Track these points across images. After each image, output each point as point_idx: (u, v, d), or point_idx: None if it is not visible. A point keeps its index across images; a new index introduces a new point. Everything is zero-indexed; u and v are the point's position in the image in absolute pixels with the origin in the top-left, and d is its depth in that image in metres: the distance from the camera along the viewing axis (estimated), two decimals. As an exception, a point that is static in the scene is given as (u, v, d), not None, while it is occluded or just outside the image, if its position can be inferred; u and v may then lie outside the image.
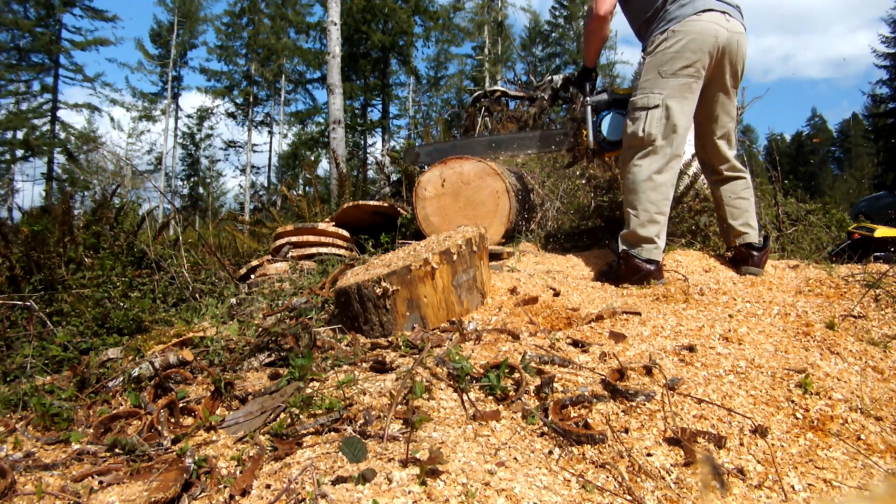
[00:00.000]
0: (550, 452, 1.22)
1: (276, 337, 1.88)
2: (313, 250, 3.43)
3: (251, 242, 4.95)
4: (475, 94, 5.36)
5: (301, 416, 1.39)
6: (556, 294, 2.17)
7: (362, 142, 28.28)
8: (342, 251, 3.48)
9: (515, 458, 1.16)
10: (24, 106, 25.20)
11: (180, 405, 1.59)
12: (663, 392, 1.39)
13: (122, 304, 2.80)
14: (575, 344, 1.71)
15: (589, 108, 2.68)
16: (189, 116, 31.24)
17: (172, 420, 1.54)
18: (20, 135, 24.72)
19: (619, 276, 2.35)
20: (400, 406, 1.35)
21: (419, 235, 3.12)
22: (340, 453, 1.11)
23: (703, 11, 2.27)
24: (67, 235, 3.40)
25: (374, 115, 27.41)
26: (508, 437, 1.25)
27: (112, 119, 37.43)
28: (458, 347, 1.66)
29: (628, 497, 1.08)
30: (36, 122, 25.07)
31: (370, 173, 7.96)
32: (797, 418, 1.35)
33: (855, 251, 3.60)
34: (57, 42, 25.60)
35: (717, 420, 1.32)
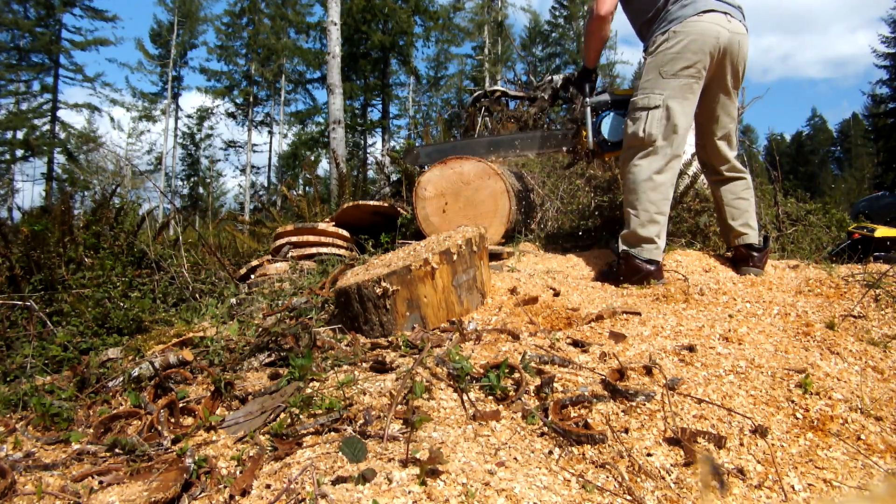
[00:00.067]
0: (550, 452, 1.22)
1: (276, 337, 1.88)
2: (313, 250, 3.43)
3: (251, 242, 4.95)
4: (475, 94, 5.36)
5: (301, 416, 1.39)
6: (556, 294, 2.17)
7: (362, 142, 28.29)
8: (342, 251, 3.48)
9: (515, 458, 1.16)
10: (24, 106, 25.23)
11: (180, 405, 1.59)
12: (663, 392, 1.39)
13: (122, 304, 2.80)
14: (575, 344, 1.71)
15: (588, 109, 2.68)
16: (189, 116, 31.28)
17: (172, 420, 1.54)
18: (20, 135, 24.72)
19: (619, 276, 2.35)
20: (400, 406, 1.35)
21: (419, 235, 3.12)
22: (340, 453, 1.11)
23: (705, 12, 2.27)
24: (67, 235, 3.40)
25: (374, 115, 27.44)
26: (508, 437, 1.25)
27: (112, 119, 37.45)
28: (458, 347, 1.66)
29: (628, 497, 1.08)
30: (36, 122, 25.09)
31: (370, 173, 7.96)
32: (797, 418, 1.35)
33: (855, 251, 3.60)
34: (57, 42, 25.60)
35: (717, 420, 1.32)
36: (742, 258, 2.54)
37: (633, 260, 2.31)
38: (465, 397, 1.41)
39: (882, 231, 3.76)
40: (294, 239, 3.47)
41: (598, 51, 2.60)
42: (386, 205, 3.54)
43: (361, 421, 1.32)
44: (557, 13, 29.61)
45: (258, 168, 31.05)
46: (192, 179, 31.84)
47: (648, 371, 1.49)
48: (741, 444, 1.25)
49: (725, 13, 2.29)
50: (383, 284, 1.84)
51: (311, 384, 1.54)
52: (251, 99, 29.32)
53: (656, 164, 2.31)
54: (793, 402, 1.39)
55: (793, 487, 1.15)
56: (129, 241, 3.59)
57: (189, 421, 1.55)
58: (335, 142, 9.64)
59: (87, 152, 26.59)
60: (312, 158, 22.46)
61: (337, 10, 9.80)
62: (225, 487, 1.15)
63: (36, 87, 25.76)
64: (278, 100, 29.80)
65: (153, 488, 1.15)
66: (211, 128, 31.98)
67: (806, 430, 1.32)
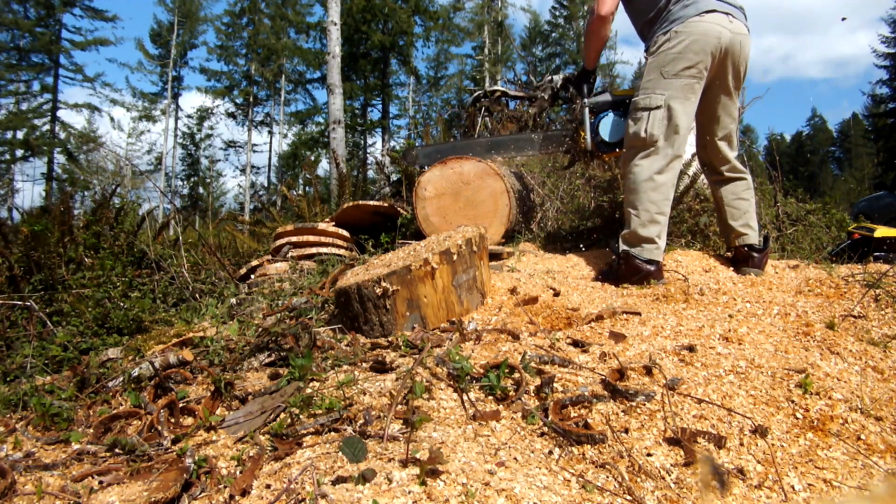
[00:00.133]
0: (550, 452, 1.22)
1: (276, 337, 1.88)
2: (313, 250, 3.43)
3: (251, 242, 4.95)
4: (475, 94, 5.35)
5: (301, 416, 1.39)
6: (556, 294, 2.17)
7: (362, 142, 28.30)
8: (342, 251, 3.48)
9: (515, 458, 1.16)
10: (24, 106, 25.23)
11: (180, 405, 1.59)
12: (663, 392, 1.39)
13: (122, 304, 2.80)
14: (575, 344, 1.71)
15: (587, 110, 2.68)
16: (189, 116, 31.30)
17: (172, 420, 1.54)
18: (20, 135, 24.73)
19: (620, 276, 2.35)
20: (400, 406, 1.35)
21: (419, 235, 3.12)
22: (340, 453, 1.11)
23: (707, 12, 2.27)
24: (67, 235, 3.40)
25: (374, 115, 27.44)
26: (508, 437, 1.25)
27: (112, 119, 37.49)
28: (458, 347, 1.66)
29: (628, 497, 1.08)
30: (36, 122, 25.10)
31: (370, 173, 7.96)
32: (797, 418, 1.35)
33: (855, 251, 3.60)
34: (57, 42, 25.60)
35: (717, 420, 1.32)
36: (742, 258, 2.54)
37: (633, 260, 2.31)
38: (465, 397, 1.41)
39: (882, 231, 3.76)
40: (294, 239, 3.47)
41: (597, 51, 2.60)
42: (386, 205, 3.54)
43: (361, 421, 1.32)
44: (557, 13, 29.61)
45: (258, 168, 31.10)
46: (192, 179, 31.86)
47: (648, 371, 1.49)
48: (741, 444, 1.25)
49: (727, 13, 2.29)
50: (383, 284, 1.84)
51: (311, 384, 1.54)
52: (251, 99, 29.33)
53: (657, 164, 2.31)
54: (793, 402, 1.39)
55: (793, 487, 1.15)
56: (129, 241, 3.59)
57: (189, 421, 1.55)
58: (335, 142, 9.64)
59: (87, 152, 26.60)
60: (312, 158, 22.46)
61: (337, 10, 9.80)
62: (225, 487, 1.15)
63: (36, 87, 25.80)
64: (278, 100, 29.81)
65: (153, 488, 1.15)
66: (211, 128, 32.05)
67: (806, 430, 1.32)
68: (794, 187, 4.79)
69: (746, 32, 2.36)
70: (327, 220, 3.76)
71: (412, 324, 1.89)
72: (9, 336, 2.59)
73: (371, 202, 3.58)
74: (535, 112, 4.86)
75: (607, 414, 1.33)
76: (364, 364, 1.64)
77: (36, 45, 25.06)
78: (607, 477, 1.14)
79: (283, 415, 1.43)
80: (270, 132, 30.86)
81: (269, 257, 3.50)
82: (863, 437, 1.30)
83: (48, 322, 2.67)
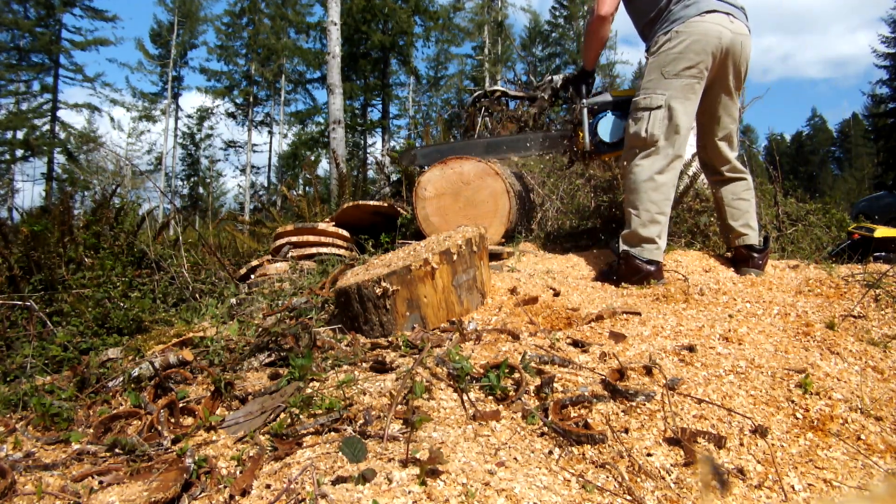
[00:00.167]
0: (550, 452, 1.22)
1: (276, 337, 1.88)
2: (313, 250, 3.43)
3: (251, 242, 4.95)
4: (475, 94, 5.35)
5: (301, 416, 1.39)
6: (556, 294, 2.17)
7: (362, 142, 28.30)
8: (342, 251, 3.48)
9: (515, 458, 1.16)
10: (24, 106, 25.25)
11: (180, 405, 1.59)
12: (663, 392, 1.39)
13: (122, 304, 2.80)
14: (575, 344, 1.71)
15: (585, 110, 2.68)
16: (189, 116, 31.32)
17: (172, 420, 1.54)
18: (20, 135, 24.73)
19: (620, 277, 2.35)
20: (400, 406, 1.35)
21: (419, 235, 3.12)
22: (340, 453, 1.11)
23: (707, 12, 2.27)
24: (67, 235, 3.40)
25: (374, 115, 27.45)
26: (508, 437, 1.25)
27: (112, 119, 37.52)
28: (458, 347, 1.66)
29: (628, 497, 1.08)
30: (36, 122, 25.11)
31: (370, 173, 7.96)
32: (797, 418, 1.35)
33: (855, 251, 3.60)
34: (57, 42, 25.61)
35: (717, 420, 1.32)
36: (742, 258, 2.54)
37: (633, 260, 2.31)
38: (465, 397, 1.41)
39: (882, 231, 3.76)
40: (294, 239, 3.47)
41: (596, 51, 2.60)
42: (386, 205, 3.54)
43: (361, 421, 1.32)
44: (557, 13, 29.63)
45: (258, 168, 31.12)
46: (192, 179, 31.87)
47: (648, 371, 1.49)
48: (741, 444, 1.25)
49: (728, 14, 2.29)
50: (383, 284, 1.84)
51: (311, 384, 1.54)
52: (251, 99, 29.33)
53: (658, 164, 2.31)
54: (793, 402, 1.39)
55: (793, 487, 1.15)
56: (129, 241, 3.59)
57: (189, 421, 1.55)
58: (335, 142, 9.64)
59: (87, 152, 26.60)
60: (312, 158, 22.47)
61: (337, 10, 9.80)
62: (225, 487, 1.15)
63: (36, 87, 25.81)
64: (278, 100, 29.82)
65: (153, 488, 1.15)
66: (211, 128, 32.07)
67: (806, 430, 1.32)
68: (794, 187, 4.79)
69: (747, 33, 2.36)
70: (327, 220, 3.76)
71: (412, 324, 1.89)
72: (9, 336, 2.59)
73: (371, 202, 3.58)
74: (535, 112, 4.86)
75: (607, 414, 1.33)
76: (364, 364, 1.64)
77: (36, 45, 25.07)
78: (607, 477, 1.14)
79: (283, 415, 1.44)
80: (270, 132, 30.89)
81: (269, 257, 3.50)
82: (863, 437, 1.30)
83: (48, 322, 2.67)
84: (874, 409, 1.38)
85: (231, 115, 29.82)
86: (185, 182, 31.92)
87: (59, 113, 26.15)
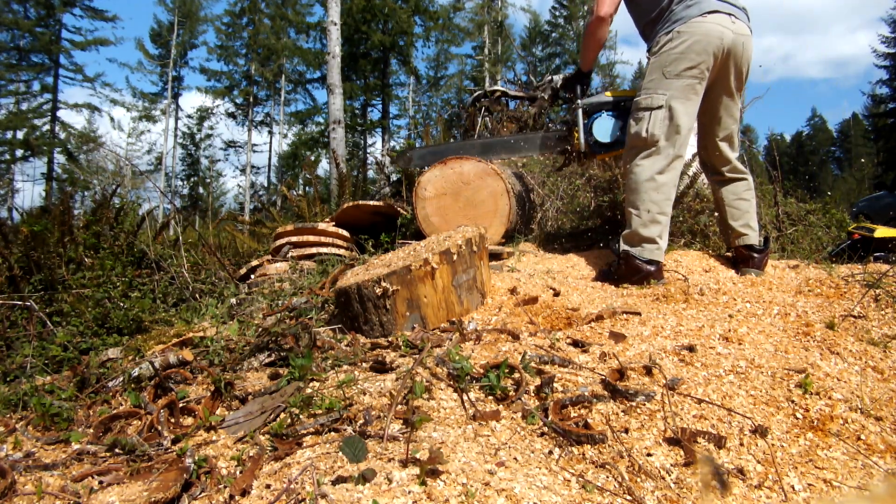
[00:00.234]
0: (550, 452, 1.22)
1: (276, 337, 1.88)
2: (313, 250, 3.43)
3: (251, 242, 4.95)
4: (475, 94, 5.35)
5: (301, 416, 1.39)
6: (556, 294, 2.17)
7: (362, 142, 28.30)
8: (342, 251, 3.48)
9: (515, 458, 1.16)
10: (24, 106, 25.25)
11: (180, 405, 1.59)
12: (663, 392, 1.39)
13: (122, 304, 2.80)
14: (575, 344, 1.71)
15: (580, 111, 2.68)
16: (189, 116, 31.33)
17: (172, 420, 1.54)
18: (20, 135, 24.74)
19: (620, 277, 2.35)
20: (400, 406, 1.35)
21: (419, 235, 3.12)
22: (340, 453, 1.11)
23: (709, 13, 2.27)
24: (67, 235, 3.40)
25: (374, 115, 27.45)
26: (508, 437, 1.25)
27: (112, 119, 37.60)
28: (458, 347, 1.66)
29: (628, 497, 1.08)
30: (36, 122, 25.11)
31: (370, 173, 7.95)
32: (797, 418, 1.35)
33: (855, 251, 3.60)
34: (57, 42, 25.61)
35: (717, 420, 1.32)
36: (742, 259, 2.54)
37: (633, 260, 2.31)
38: (465, 397, 1.41)
39: (882, 231, 3.76)
40: (294, 239, 3.47)
41: (594, 52, 2.59)
42: (386, 205, 3.54)
43: (361, 421, 1.32)
44: (557, 13, 29.63)
45: (258, 168, 31.12)
46: (192, 179, 31.87)
47: (648, 371, 1.49)
48: (741, 444, 1.25)
49: (730, 14, 2.29)
50: (383, 284, 1.84)
51: (311, 384, 1.54)
52: (251, 99, 29.33)
53: (658, 164, 2.31)
54: (793, 402, 1.39)
55: (793, 487, 1.15)
56: (129, 241, 3.59)
57: (189, 421, 1.55)
58: (335, 142, 9.64)
59: (87, 152, 26.61)
60: (312, 158, 22.47)
61: (337, 10, 9.80)
62: (225, 487, 1.15)
63: (36, 87, 25.82)
64: (278, 100, 29.82)
65: (153, 488, 1.15)
66: (211, 128, 32.06)
67: (806, 430, 1.32)
68: (794, 187, 4.79)
69: (749, 33, 2.36)
70: (327, 220, 3.76)
71: (412, 324, 1.89)
72: (9, 336, 2.59)
73: (371, 202, 3.58)
74: (535, 112, 4.86)
75: (607, 414, 1.33)
76: (364, 364, 1.64)
77: (36, 45, 25.08)
78: (607, 477, 1.14)
79: (283, 415, 1.43)
80: (270, 132, 30.89)
81: (269, 257, 3.50)
82: (863, 437, 1.30)
83: (48, 322, 2.67)
84: (874, 409, 1.38)
85: (231, 115, 29.83)
86: (185, 182, 31.95)
87: (59, 113, 26.19)
